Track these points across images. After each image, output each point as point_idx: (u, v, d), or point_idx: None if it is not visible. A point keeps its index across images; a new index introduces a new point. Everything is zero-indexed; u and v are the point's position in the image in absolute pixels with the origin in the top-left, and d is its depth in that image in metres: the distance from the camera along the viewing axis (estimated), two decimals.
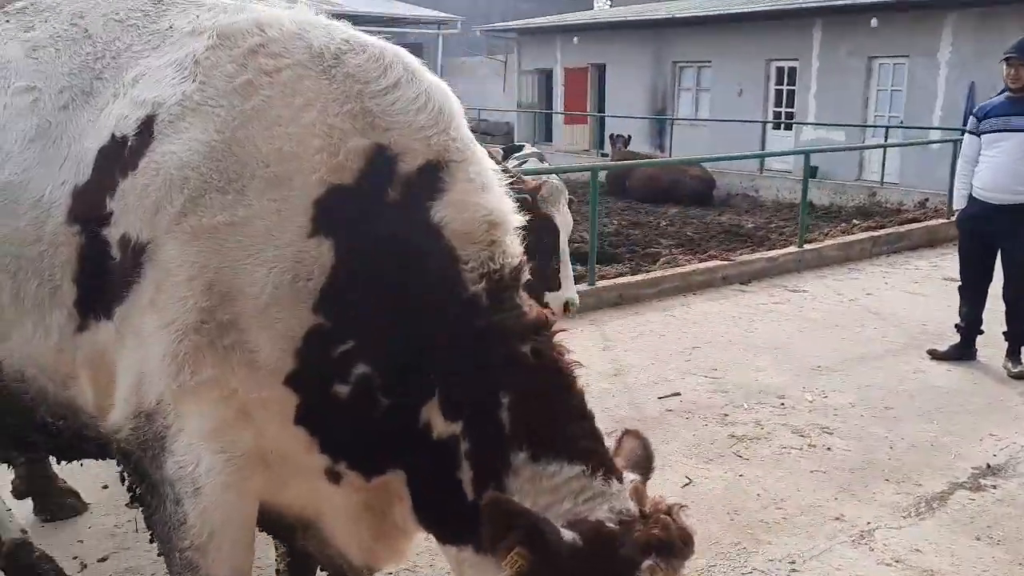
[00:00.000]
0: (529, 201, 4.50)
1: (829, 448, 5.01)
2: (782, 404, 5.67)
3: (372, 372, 2.08)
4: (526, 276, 2.20)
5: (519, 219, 2.23)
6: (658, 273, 8.53)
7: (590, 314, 7.61)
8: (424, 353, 2.08)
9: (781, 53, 19.22)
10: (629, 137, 18.84)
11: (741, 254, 9.56)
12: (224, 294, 2.02)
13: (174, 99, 2.12)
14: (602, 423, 5.16)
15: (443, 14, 30.76)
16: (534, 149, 18.30)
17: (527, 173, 15.59)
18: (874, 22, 16.93)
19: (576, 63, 24.42)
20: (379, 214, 2.07)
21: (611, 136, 19.46)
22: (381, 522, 2.35)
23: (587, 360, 6.30)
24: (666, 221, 14.27)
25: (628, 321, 7.49)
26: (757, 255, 9.47)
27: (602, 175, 17.51)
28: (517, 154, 18.38)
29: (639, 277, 8.35)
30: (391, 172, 2.09)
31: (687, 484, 4.53)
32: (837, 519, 4.20)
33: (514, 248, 2.17)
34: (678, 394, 5.80)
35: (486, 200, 2.14)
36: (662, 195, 16.16)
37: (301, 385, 2.08)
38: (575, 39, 23.96)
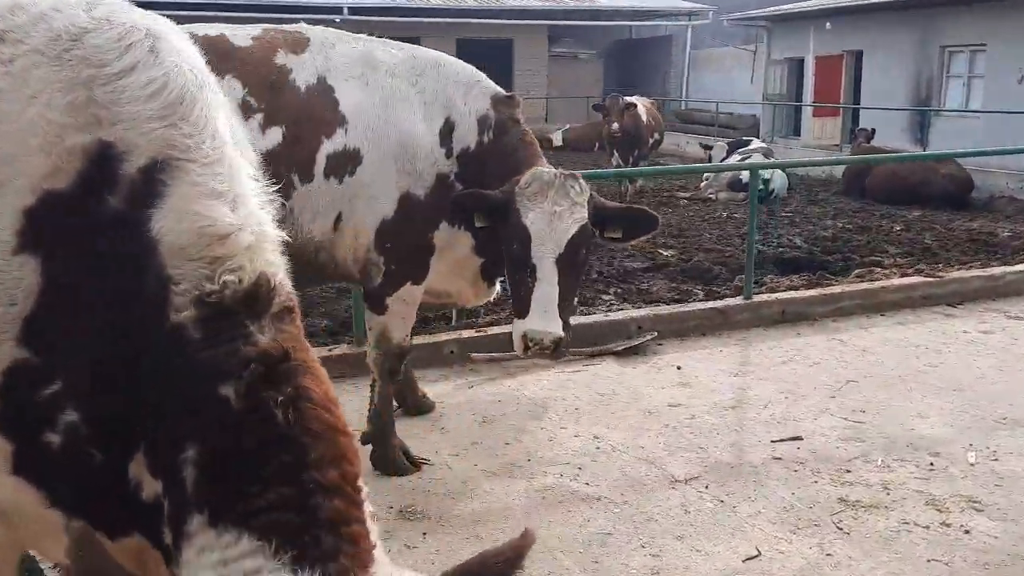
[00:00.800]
0: (497, 198, 3.75)
1: (968, 531, 3.88)
2: (931, 464, 4.53)
3: (80, 421, 1.74)
4: (277, 301, 1.72)
5: (271, 233, 1.77)
6: (837, 288, 7.33)
7: (740, 332, 6.70)
8: (127, 397, 1.70)
9: None
10: (873, 131, 16.84)
11: (958, 269, 8.03)
12: None
13: None
14: (689, 466, 4.46)
15: (694, 4, 29.71)
16: (762, 144, 17.12)
17: (710, 171, 14.28)
18: None
19: (829, 51, 22.39)
20: (95, 226, 1.72)
21: (853, 130, 17.57)
22: None
23: (707, 387, 5.57)
24: (902, 226, 12.53)
25: (783, 343, 6.48)
26: (974, 272, 7.89)
27: (802, 170, 15.88)
28: (742, 149, 17.16)
29: (811, 292, 7.22)
30: (113, 175, 1.73)
31: (752, 557, 3.68)
32: None
33: (252, 266, 1.71)
34: (799, 439, 4.83)
35: (210, 208, 1.71)
36: (907, 196, 14.20)
37: (8, 430, 1.78)
38: (827, 24, 21.94)
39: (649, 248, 10.39)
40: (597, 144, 19.60)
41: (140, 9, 2.01)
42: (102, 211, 1.72)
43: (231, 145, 1.83)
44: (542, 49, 29.44)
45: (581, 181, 3.74)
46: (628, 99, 14.92)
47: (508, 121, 4.04)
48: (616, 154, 14.90)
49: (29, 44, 1.83)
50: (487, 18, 27.16)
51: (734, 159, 15.63)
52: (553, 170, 3.78)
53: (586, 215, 3.72)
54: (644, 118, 15.05)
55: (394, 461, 4.39)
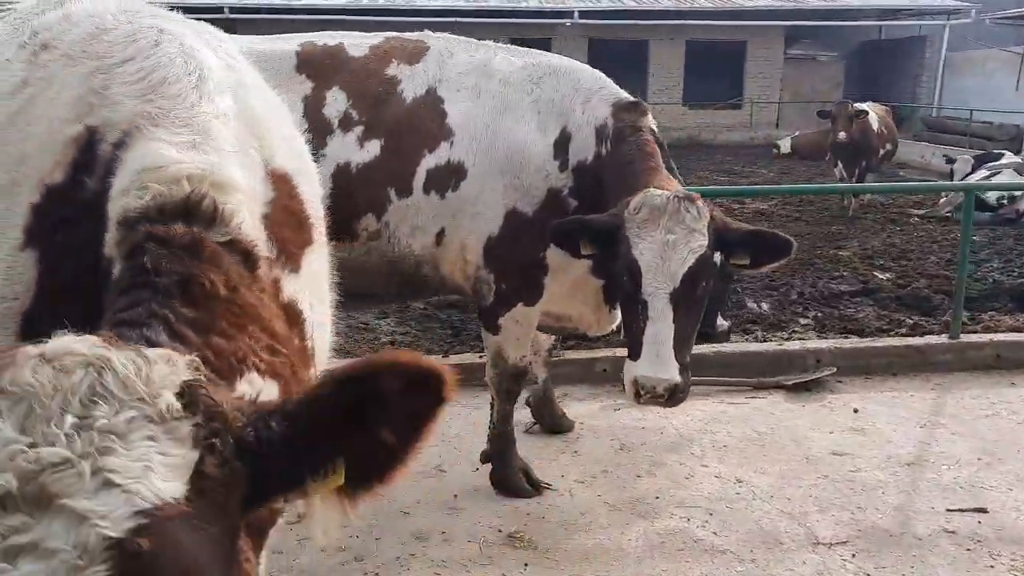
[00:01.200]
0: (602, 224, 3.35)
1: None
2: None
3: None
4: (222, 228, 1.56)
5: (234, 178, 1.63)
6: None
7: (939, 376, 5.88)
8: None
9: None
10: None
11: None
12: None
13: None
14: (838, 528, 3.99)
15: (954, 2, 27.10)
16: (1015, 159, 15.21)
17: (985, 188, 12.66)
18: None
19: None
20: (75, 213, 1.74)
21: None
22: None
23: (884, 437, 4.94)
24: None
25: (990, 393, 5.60)
26: None
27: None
28: (990, 164, 15.38)
29: None
30: (94, 159, 1.75)
31: None
32: None
33: (192, 186, 1.57)
34: (983, 511, 4.12)
35: (152, 149, 1.63)
36: None
37: None
38: None
39: (863, 269, 9.51)
40: (828, 153, 18.29)
41: (171, 13, 2.03)
42: (83, 196, 1.72)
43: (217, 120, 1.73)
44: (777, 51, 28.01)
45: (699, 203, 3.29)
46: (859, 106, 13.71)
47: (627, 129, 3.66)
48: (840, 165, 13.79)
49: (61, 49, 1.92)
50: (720, 19, 26.20)
51: (979, 175, 13.99)
52: (666, 192, 3.32)
53: (705, 243, 3.26)
54: (875, 127, 13.82)
55: (513, 482, 4.22)
